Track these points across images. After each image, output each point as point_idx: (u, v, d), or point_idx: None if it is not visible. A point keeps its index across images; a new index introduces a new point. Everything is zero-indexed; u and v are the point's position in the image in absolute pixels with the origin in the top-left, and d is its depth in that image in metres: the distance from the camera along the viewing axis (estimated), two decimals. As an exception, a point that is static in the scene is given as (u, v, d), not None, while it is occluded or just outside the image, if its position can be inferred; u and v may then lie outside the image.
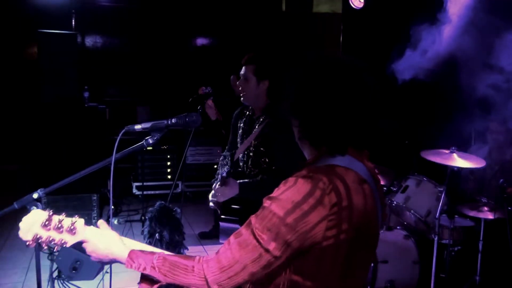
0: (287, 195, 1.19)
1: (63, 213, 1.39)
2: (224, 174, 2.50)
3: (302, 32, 7.39)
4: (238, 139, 2.79)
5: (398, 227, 3.84)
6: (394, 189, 3.80)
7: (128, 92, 7.41)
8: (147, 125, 1.55)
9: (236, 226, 2.54)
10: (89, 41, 7.27)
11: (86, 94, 5.77)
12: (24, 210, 1.46)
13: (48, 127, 5.37)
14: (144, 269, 1.29)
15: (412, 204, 3.60)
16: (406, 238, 3.63)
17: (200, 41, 7.85)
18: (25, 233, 1.35)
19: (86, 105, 5.69)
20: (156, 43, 7.33)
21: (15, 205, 1.46)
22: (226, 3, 7.46)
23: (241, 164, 2.75)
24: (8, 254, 4.49)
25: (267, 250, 1.17)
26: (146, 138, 1.55)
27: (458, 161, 3.29)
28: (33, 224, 1.35)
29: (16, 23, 6.71)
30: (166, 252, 1.35)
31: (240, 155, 2.74)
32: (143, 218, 5.31)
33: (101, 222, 1.44)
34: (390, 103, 5.32)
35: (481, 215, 3.40)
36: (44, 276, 3.15)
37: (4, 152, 6.74)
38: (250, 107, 2.74)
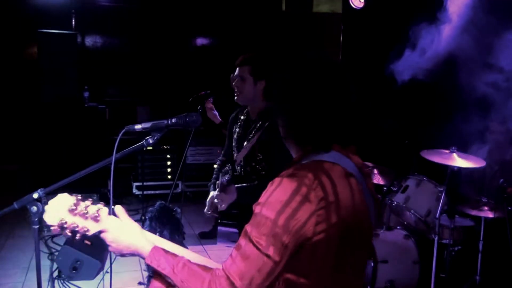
0: (275, 197, 1.20)
1: (90, 199, 1.36)
2: (225, 182, 2.51)
3: (302, 32, 7.39)
4: (234, 144, 2.79)
5: (398, 227, 3.84)
6: (394, 189, 3.80)
7: (128, 92, 7.41)
8: (147, 125, 1.55)
9: (234, 230, 2.54)
10: (89, 41, 7.27)
11: (86, 94, 5.78)
12: (24, 211, 1.47)
13: (48, 127, 5.37)
14: (164, 269, 1.29)
15: (412, 204, 3.61)
16: (406, 238, 3.63)
17: (200, 41, 7.85)
18: (51, 217, 1.32)
19: (86, 105, 5.70)
20: (156, 43, 7.33)
21: (15, 205, 1.46)
22: (226, 3, 7.46)
23: (238, 168, 2.75)
24: (8, 254, 4.49)
25: (268, 256, 1.18)
26: (146, 138, 1.55)
27: (458, 161, 3.29)
28: (60, 208, 1.32)
29: (16, 23, 6.71)
30: (187, 257, 1.33)
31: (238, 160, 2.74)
32: (143, 218, 5.31)
33: (119, 209, 1.40)
34: (390, 103, 5.35)
35: (481, 215, 3.41)
36: (44, 276, 3.15)
37: (4, 152, 6.74)
38: (245, 111, 2.74)
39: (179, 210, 3.63)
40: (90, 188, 5.29)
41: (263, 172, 2.54)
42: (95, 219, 1.33)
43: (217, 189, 2.57)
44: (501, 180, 3.33)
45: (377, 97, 5.65)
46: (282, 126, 1.38)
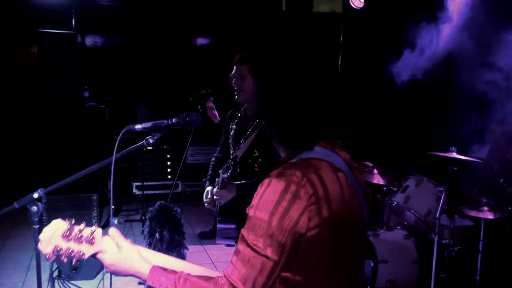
0: (266, 198, 1.22)
1: (83, 223, 1.35)
2: (226, 179, 2.51)
3: (302, 32, 7.39)
4: (230, 140, 2.80)
5: (398, 227, 3.84)
6: (394, 189, 3.80)
7: (128, 92, 7.41)
8: (147, 124, 1.55)
9: (231, 226, 2.55)
10: (89, 40, 7.27)
11: (86, 94, 5.77)
12: (24, 210, 1.47)
13: (48, 126, 5.37)
14: (166, 287, 1.28)
15: (412, 204, 3.61)
16: (406, 238, 3.64)
17: (200, 40, 7.85)
18: (46, 246, 1.31)
19: (86, 105, 5.70)
20: (156, 43, 7.33)
21: (15, 205, 1.46)
22: (226, 3, 7.46)
23: (232, 164, 2.76)
24: (9, 254, 4.49)
25: (266, 257, 1.20)
26: (147, 137, 1.55)
27: (458, 161, 3.29)
28: (54, 234, 1.31)
29: (16, 22, 6.71)
30: (186, 269, 1.33)
31: (232, 156, 2.75)
32: (143, 217, 5.31)
33: (114, 232, 1.38)
34: (390, 102, 5.35)
35: (481, 215, 3.41)
36: (45, 276, 3.15)
37: (4, 151, 6.74)
38: (242, 108, 2.74)
39: (179, 210, 3.63)
40: (90, 188, 5.29)
41: (259, 169, 2.54)
42: (90, 241, 1.32)
43: (217, 186, 2.58)
44: (501, 180, 3.33)
45: (377, 97, 5.65)
46: (267, 126, 1.39)
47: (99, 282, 3.21)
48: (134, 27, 7.26)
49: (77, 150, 5.30)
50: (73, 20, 6.84)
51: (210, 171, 2.99)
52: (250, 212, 1.24)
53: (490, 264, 3.56)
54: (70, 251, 1.31)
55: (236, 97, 2.63)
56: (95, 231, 1.33)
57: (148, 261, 1.35)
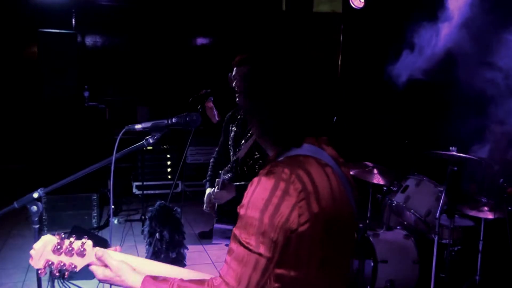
0: (256, 196, 1.23)
1: (73, 235, 1.36)
2: (226, 180, 2.51)
3: (302, 32, 7.39)
4: (230, 142, 2.80)
5: (398, 227, 3.84)
6: (394, 189, 3.80)
7: (128, 92, 7.41)
8: (147, 124, 1.55)
9: (229, 227, 2.55)
10: (89, 40, 7.27)
11: (86, 94, 5.77)
12: (24, 209, 1.47)
13: (48, 126, 5.36)
14: None
15: (412, 204, 3.61)
16: (406, 238, 3.64)
17: (200, 40, 7.85)
18: (37, 261, 1.31)
19: (86, 105, 5.69)
20: (156, 43, 7.33)
21: (15, 205, 1.46)
22: (226, 3, 7.46)
23: (233, 165, 2.76)
24: (9, 254, 4.49)
25: (260, 254, 1.21)
26: (147, 137, 1.55)
27: (458, 161, 3.29)
28: (44, 249, 1.32)
29: (16, 22, 6.71)
30: (178, 275, 1.34)
31: (234, 158, 2.75)
32: (143, 217, 5.31)
33: (100, 253, 1.35)
34: (390, 102, 5.34)
35: (481, 215, 3.41)
36: (44, 276, 3.15)
37: (4, 151, 6.75)
38: (242, 110, 2.74)
39: (179, 210, 3.63)
40: (90, 188, 5.29)
41: (259, 169, 2.54)
42: (81, 254, 1.33)
43: (217, 187, 2.58)
44: (501, 180, 3.33)
45: (377, 96, 5.65)
46: (258, 125, 1.40)
47: (99, 282, 3.21)
48: (134, 27, 7.26)
49: (77, 150, 5.30)
50: (73, 20, 6.84)
51: (209, 172, 3.00)
52: (241, 211, 1.25)
53: (490, 264, 3.56)
54: (61, 264, 1.32)
55: (237, 99, 2.62)
56: (85, 243, 1.34)
57: (140, 270, 1.36)
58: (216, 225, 2.58)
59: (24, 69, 6.80)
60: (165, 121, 1.55)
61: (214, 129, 3.86)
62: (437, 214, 3.28)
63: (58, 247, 1.32)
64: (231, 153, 2.79)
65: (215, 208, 2.63)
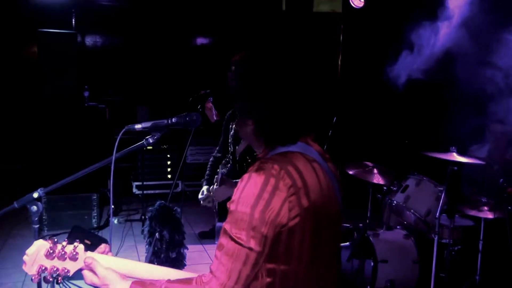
0: (246, 192, 1.25)
1: (65, 239, 1.35)
2: (224, 175, 2.52)
3: (302, 32, 7.38)
4: (230, 140, 2.80)
5: (398, 227, 3.84)
6: (394, 188, 3.80)
7: (128, 92, 7.40)
8: (147, 124, 1.55)
9: None
10: (89, 40, 7.27)
11: (86, 94, 5.77)
12: (24, 209, 1.47)
13: (48, 126, 5.36)
14: None
15: (412, 204, 3.61)
16: (406, 238, 3.63)
17: (200, 40, 7.84)
18: (30, 267, 1.31)
19: (86, 105, 5.69)
20: (156, 43, 7.33)
21: (15, 204, 1.46)
22: (226, 3, 7.45)
23: (230, 161, 2.77)
24: (9, 254, 4.49)
25: (250, 249, 1.23)
26: (147, 137, 1.55)
27: (458, 158, 3.29)
28: (37, 255, 1.31)
29: (16, 22, 6.70)
30: (165, 276, 1.35)
31: (232, 150, 2.76)
32: (143, 217, 5.31)
33: (88, 259, 1.35)
34: (390, 102, 5.34)
35: (481, 215, 3.41)
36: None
37: (4, 151, 6.74)
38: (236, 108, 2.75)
39: (179, 210, 3.63)
40: (90, 188, 5.29)
41: None
42: (74, 258, 1.33)
43: (215, 184, 2.58)
44: (501, 180, 3.32)
45: (377, 96, 5.65)
46: (251, 124, 1.40)
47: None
48: (134, 27, 7.25)
49: (77, 150, 5.30)
50: (73, 20, 6.84)
51: (207, 171, 3.00)
52: (232, 206, 1.27)
53: (490, 264, 3.56)
54: (54, 269, 1.31)
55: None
56: (77, 246, 1.34)
57: (129, 271, 1.36)
58: (218, 224, 2.59)
59: (24, 69, 6.80)
60: (165, 121, 1.55)
61: (214, 129, 3.86)
62: (437, 214, 3.28)
63: (51, 251, 1.31)
64: (231, 151, 2.80)
65: (215, 205, 2.64)
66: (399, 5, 5.39)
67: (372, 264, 3.44)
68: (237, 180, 2.55)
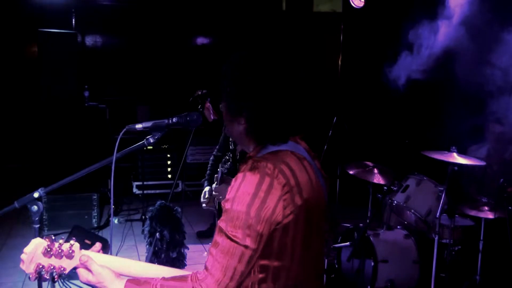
0: (242, 191, 1.28)
1: (62, 237, 1.36)
2: (224, 172, 2.52)
3: (302, 32, 7.38)
4: (231, 139, 2.80)
5: (398, 227, 3.84)
6: (395, 188, 3.80)
7: (128, 91, 7.40)
8: (148, 124, 1.55)
9: None
10: (89, 40, 7.26)
11: (86, 93, 5.77)
12: (25, 209, 1.47)
13: (49, 126, 5.37)
14: None
15: (412, 204, 3.60)
16: (406, 238, 3.63)
17: (200, 40, 7.84)
18: (28, 265, 1.31)
19: (86, 104, 5.69)
20: (157, 42, 7.32)
21: (16, 204, 1.46)
22: (226, 3, 7.45)
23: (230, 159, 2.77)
24: (9, 253, 4.49)
25: (246, 247, 1.26)
26: (147, 137, 1.55)
27: (458, 159, 3.29)
28: (35, 253, 1.32)
29: (16, 22, 6.70)
30: (159, 273, 1.36)
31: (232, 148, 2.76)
32: (143, 217, 5.31)
33: (84, 258, 1.35)
34: (390, 102, 5.34)
35: (481, 215, 3.41)
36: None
37: (5, 151, 6.74)
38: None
39: (179, 210, 3.63)
40: (91, 188, 5.29)
41: None
42: (70, 256, 1.33)
43: (216, 182, 2.59)
44: (501, 180, 3.32)
45: (377, 96, 5.64)
46: (242, 123, 1.41)
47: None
48: (134, 27, 7.25)
49: (77, 149, 5.30)
50: (73, 20, 6.84)
51: (208, 171, 3.00)
52: (227, 205, 1.29)
53: (490, 264, 3.56)
54: (52, 267, 1.32)
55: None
56: (73, 244, 1.34)
57: (124, 270, 1.37)
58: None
59: (24, 69, 6.80)
60: (166, 121, 1.55)
61: (214, 129, 3.86)
62: (438, 213, 3.28)
63: (48, 249, 1.32)
64: (231, 150, 2.79)
65: (215, 204, 2.64)
66: (399, 5, 5.39)
67: (372, 264, 3.44)
68: None
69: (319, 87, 6.46)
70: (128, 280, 1.33)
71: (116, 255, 4.28)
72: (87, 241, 3.28)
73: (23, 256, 1.32)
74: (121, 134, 1.51)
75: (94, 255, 1.37)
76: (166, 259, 3.36)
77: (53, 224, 5.04)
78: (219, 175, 2.56)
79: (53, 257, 1.33)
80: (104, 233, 5.05)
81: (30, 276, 1.32)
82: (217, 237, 1.30)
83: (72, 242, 1.35)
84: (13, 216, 5.18)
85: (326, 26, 7.42)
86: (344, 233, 3.81)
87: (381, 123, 6.09)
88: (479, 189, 3.81)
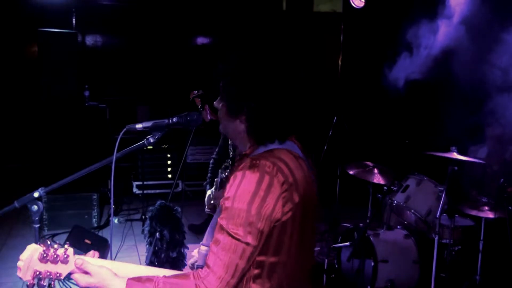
0: (242, 189, 1.30)
1: (57, 242, 1.35)
2: (224, 178, 2.52)
3: (302, 32, 7.38)
4: (230, 142, 2.80)
5: (398, 227, 3.84)
6: (395, 188, 3.80)
7: (128, 91, 7.40)
8: (148, 124, 1.55)
9: None
10: (89, 40, 7.26)
11: (87, 93, 5.76)
12: (25, 209, 1.46)
13: (49, 126, 5.37)
14: None
15: (412, 204, 3.60)
16: (406, 238, 3.63)
17: (200, 40, 7.84)
18: (25, 272, 1.30)
19: (86, 104, 5.69)
20: (157, 42, 7.32)
21: (16, 204, 1.46)
22: (226, 3, 7.45)
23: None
24: (9, 253, 4.49)
25: (247, 244, 1.28)
26: (147, 137, 1.55)
27: (458, 161, 3.29)
28: (31, 259, 1.31)
29: (16, 22, 6.70)
30: (161, 274, 1.35)
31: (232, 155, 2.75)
32: (143, 217, 5.31)
33: (79, 262, 1.35)
34: (390, 102, 5.34)
35: (481, 215, 3.40)
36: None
37: (5, 151, 6.74)
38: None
39: (179, 209, 3.63)
40: (91, 188, 5.29)
41: None
42: (65, 260, 1.33)
43: (215, 187, 2.58)
44: (501, 180, 3.32)
45: (377, 96, 5.64)
46: (243, 122, 1.42)
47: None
48: (134, 27, 7.25)
49: (77, 149, 5.30)
50: (74, 20, 6.84)
51: (209, 174, 3.00)
52: (227, 203, 1.31)
53: (490, 264, 3.56)
54: (48, 273, 1.31)
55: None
56: (68, 249, 1.34)
57: (120, 273, 1.36)
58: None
59: (24, 68, 6.80)
60: (166, 121, 1.55)
61: (214, 129, 3.86)
62: (438, 213, 3.28)
63: (44, 255, 1.31)
64: (231, 153, 2.79)
65: (216, 209, 2.64)
66: (399, 5, 5.39)
67: (372, 264, 3.44)
68: None
69: (319, 87, 6.46)
70: (129, 278, 1.32)
71: (116, 255, 4.29)
72: (87, 241, 3.28)
73: (19, 263, 1.31)
74: (121, 134, 1.51)
75: (89, 259, 1.37)
76: (166, 259, 3.36)
77: (53, 224, 5.04)
78: (218, 181, 2.56)
79: (49, 262, 1.32)
80: (104, 233, 5.04)
81: (28, 284, 1.31)
82: (218, 235, 1.31)
83: (66, 246, 1.34)
84: (13, 216, 5.17)
85: (326, 26, 7.42)
86: (344, 233, 3.81)
87: (381, 123, 6.09)
88: (479, 189, 3.81)
